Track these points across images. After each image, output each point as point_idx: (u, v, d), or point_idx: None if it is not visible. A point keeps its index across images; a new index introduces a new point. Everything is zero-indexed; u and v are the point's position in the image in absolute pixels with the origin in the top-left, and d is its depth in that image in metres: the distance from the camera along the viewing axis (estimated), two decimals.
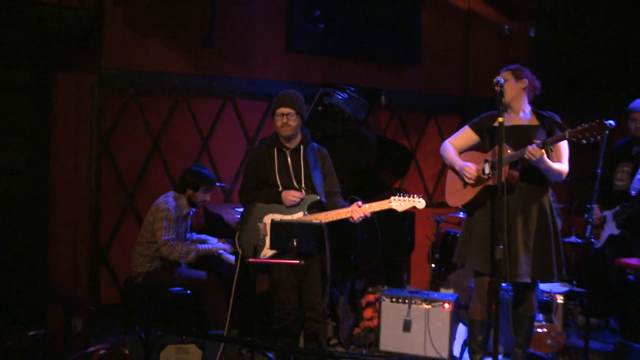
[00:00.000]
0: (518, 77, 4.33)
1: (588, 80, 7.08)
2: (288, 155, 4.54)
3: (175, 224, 5.09)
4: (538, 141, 4.02)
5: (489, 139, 4.40)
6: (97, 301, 5.98)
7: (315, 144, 4.70)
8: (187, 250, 5.06)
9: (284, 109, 4.45)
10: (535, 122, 4.32)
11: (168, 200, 5.13)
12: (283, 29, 6.77)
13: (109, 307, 5.99)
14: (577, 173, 7.08)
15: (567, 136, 3.90)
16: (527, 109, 4.38)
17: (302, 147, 4.57)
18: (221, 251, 5.28)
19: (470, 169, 4.30)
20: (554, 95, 7.45)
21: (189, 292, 5.10)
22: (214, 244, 5.37)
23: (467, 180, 4.32)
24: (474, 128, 4.55)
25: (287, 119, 4.44)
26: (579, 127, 3.83)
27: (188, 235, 5.43)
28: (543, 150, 4.00)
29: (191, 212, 5.34)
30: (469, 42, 7.73)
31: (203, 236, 5.56)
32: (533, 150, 3.98)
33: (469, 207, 4.41)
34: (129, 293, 5.25)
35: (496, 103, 4.09)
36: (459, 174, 4.42)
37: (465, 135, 4.57)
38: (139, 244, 5.17)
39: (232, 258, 5.09)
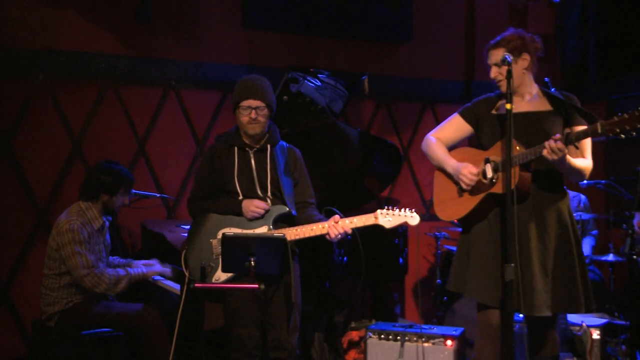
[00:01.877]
0: (516, 53, 4.13)
1: (628, 56, 7.08)
2: (251, 156, 4.51)
3: (89, 244, 4.97)
4: (558, 135, 3.87)
5: (488, 132, 4.24)
6: None
7: (285, 144, 4.68)
8: (117, 278, 4.94)
9: (252, 101, 4.40)
10: (547, 107, 4.17)
11: (70, 218, 4.99)
12: None
13: None
14: (615, 173, 7.12)
15: (599, 129, 3.75)
16: (534, 89, 4.23)
17: (269, 146, 4.54)
18: (157, 277, 5.17)
19: (469, 171, 4.15)
20: (583, 76, 7.49)
21: (120, 333, 4.97)
22: (151, 267, 5.24)
23: (464, 186, 4.17)
24: (466, 116, 4.38)
25: (256, 114, 4.40)
26: (616, 118, 3.67)
27: (112, 258, 5.32)
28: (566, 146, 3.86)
29: (107, 223, 5.22)
30: (473, 12, 7.75)
31: (127, 261, 5.43)
32: (555, 147, 3.83)
33: (465, 221, 4.28)
34: (39, 340, 5.07)
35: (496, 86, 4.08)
36: (452, 177, 4.28)
37: (455, 126, 4.41)
38: (47, 277, 5.01)
39: (175, 286, 4.99)
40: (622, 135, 3.68)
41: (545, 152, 3.84)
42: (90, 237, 5.00)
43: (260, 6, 6.69)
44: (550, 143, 3.82)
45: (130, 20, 6.22)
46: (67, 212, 5.07)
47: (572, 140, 3.83)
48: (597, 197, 7.05)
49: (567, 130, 4.10)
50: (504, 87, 4.11)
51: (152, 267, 5.21)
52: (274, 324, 4.38)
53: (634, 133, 3.65)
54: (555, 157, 3.83)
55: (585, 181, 6.20)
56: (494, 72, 4.13)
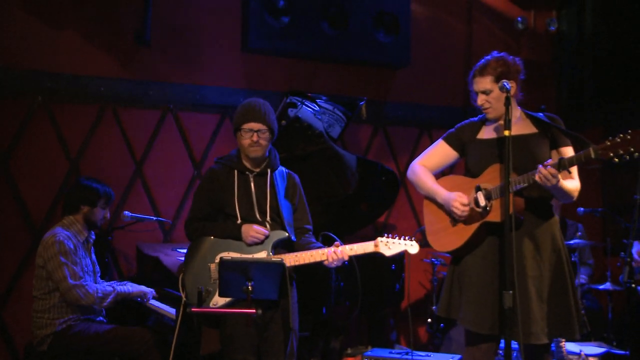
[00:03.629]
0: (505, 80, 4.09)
1: (624, 84, 7.08)
2: (251, 180, 4.50)
3: (75, 256, 4.96)
4: (550, 161, 3.86)
5: (475, 158, 4.22)
6: None
7: (284, 169, 4.68)
8: (104, 292, 4.94)
9: (253, 124, 4.40)
10: (532, 130, 4.17)
11: (55, 232, 5.00)
12: (238, 23, 6.76)
13: None
14: (611, 201, 7.10)
15: (592, 155, 3.72)
16: (518, 112, 4.21)
17: (269, 171, 4.54)
18: (153, 301, 5.15)
19: (461, 203, 4.09)
20: (580, 102, 7.49)
21: (114, 356, 4.92)
22: (135, 286, 5.21)
23: (457, 217, 4.14)
24: (451, 142, 4.36)
25: (257, 137, 4.41)
26: (607, 143, 3.64)
27: (102, 283, 5.27)
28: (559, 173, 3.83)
29: (92, 238, 5.22)
30: (471, 39, 7.79)
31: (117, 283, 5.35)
32: (548, 174, 3.81)
33: (459, 250, 4.22)
34: None
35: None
36: (442, 207, 4.24)
37: (441, 153, 4.39)
38: (36, 299, 4.98)
39: (170, 310, 4.96)
40: (616, 160, 3.63)
41: (537, 178, 3.82)
42: (77, 250, 5.00)
43: (259, 30, 6.67)
44: (541, 170, 3.80)
45: (129, 43, 6.21)
46: (51, 230, 5.07)
47: (566, 166, 3.82)
48: (593, 225, 7.04)
49: (554, 152, 4.11)
50: (491, 114, 4.12)
51: (137, 287, 5.19)
52: (271, 350, 4.34)
53: (628, 157, 3.59)
54: (548, 184, 3.82)
55: (581, 209, 6.23)
56: (481, 100, 4.12)
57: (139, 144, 6.41)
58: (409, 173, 4.43)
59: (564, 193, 4.01)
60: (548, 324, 4.05)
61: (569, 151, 4.11)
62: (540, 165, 3.82)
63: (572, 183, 4.06)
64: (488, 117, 4.15)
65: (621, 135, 3.61)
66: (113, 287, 5.03)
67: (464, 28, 7.79)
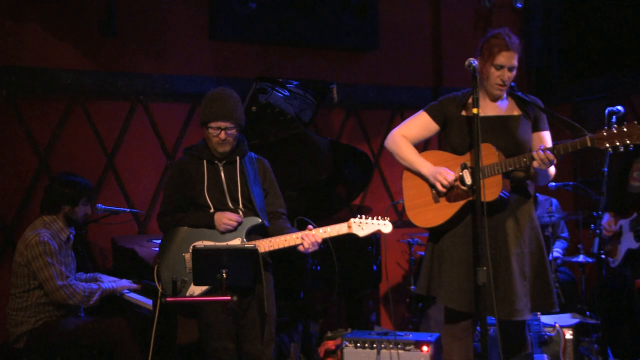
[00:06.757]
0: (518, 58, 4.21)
1: (590, 59, 7.14)
2: (221, 168, 4.49)
3: (59, 255, 4.94)
4: (547, 145, 3.99)
5: (459, 134, 4.21)
6: None
7: (253, 154, 4.66)
8: (90, 290, 4.92)
9: (221, 123, 4.36)
10: (516, 111, 4.21)
11: (39, 231, 4.96)
12: (205, 10, 6.74)
13: None
14: (583, 175, 7.17)
15: (589, 143, 3.80)
16: (504, 92, 4.27)
17: (238, 158, 4.52)
18: (129, 292, 5.15)
19: (445, 178, 4.10)
20: (548, 79, 7.56)
21: (92, 350, 4.94)
22: (119, 281, 5.21)
23: (440, 188, 4.13)
24: (433, 115, 4.31)
25: (225, 135, 4.38)
26: (604, 133, 3.75)
27: (80, 275, 5.28)
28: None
29: (72, 235, 5.19)
30: (439, 19, 7.78)
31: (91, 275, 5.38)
32: (546, 159, 3.88)
33: (439, 227, 4.22)
34: None
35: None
36: (427, 180, 4.21)
37: (422, 124, 4.33)
38: (13, 296, 4.95)
39: (147, 301, 4.96)
40: (610, 150, 3.74)
41: (536, 164, 3.91)
42: (61, 249, 4.98)
43: (226, 17, 6.65)
44: (540, 154, 3.89)
45: (95, 35, 6.16)
46: (31, 227, 5.03)
47: (560, 152, 3.90)
48: (565, 198, 7.11)
49: (535, 135, 4.19)
50: (504, 92, 4.16)
51: (120, 282, 5.18)
52: (249, 336, 4.37)
53: (622, 148, 3.70)
54: (544, 167, 3.93)
55: (553, 183, 6.30)
56: (506, 75, 4.10)
57: (109, 137, 6.38)
58: (389, 142, 4.37)
59: (548, 176, 4.13)
60: (531, 299, 4.12)
61: (547, 135, 4.20)
62: (541, 150, 3.89)
63: (552, 167, 4.12)
64: (500, 94, 4.14)
65: (617, 126, 3.72)
66: (98, 284, 5.01)
67: (432, 8, 7.78)
